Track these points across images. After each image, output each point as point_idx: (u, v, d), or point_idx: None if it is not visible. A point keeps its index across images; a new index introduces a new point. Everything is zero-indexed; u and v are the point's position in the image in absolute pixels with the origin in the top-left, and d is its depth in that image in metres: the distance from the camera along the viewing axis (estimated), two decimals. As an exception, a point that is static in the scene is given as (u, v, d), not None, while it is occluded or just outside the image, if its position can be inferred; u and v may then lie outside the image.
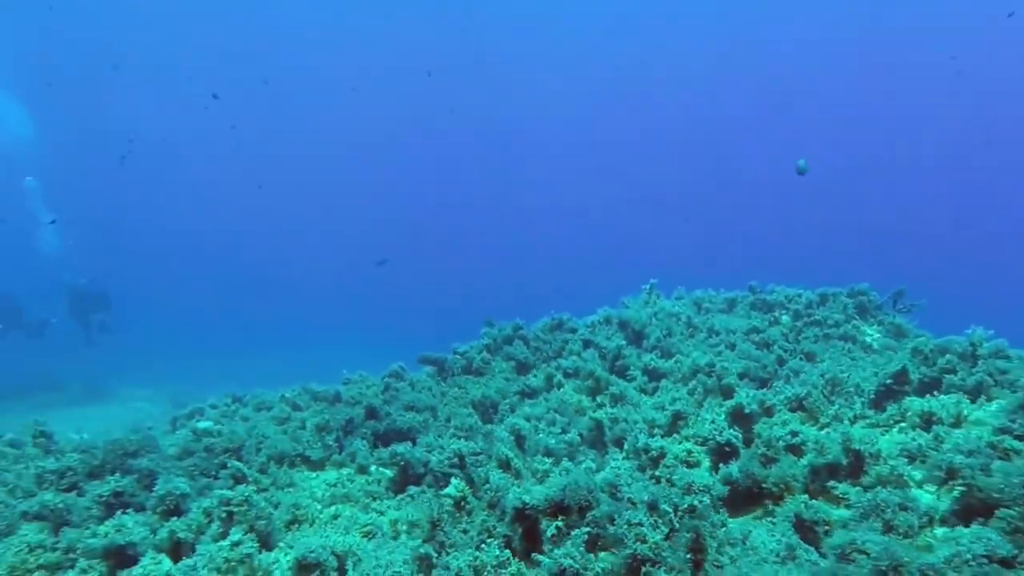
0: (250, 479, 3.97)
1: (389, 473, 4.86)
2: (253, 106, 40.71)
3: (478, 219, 55.20)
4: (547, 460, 4.99)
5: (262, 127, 43.31)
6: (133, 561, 3.04)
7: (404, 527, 3.99)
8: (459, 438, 5.42)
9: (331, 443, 4.99)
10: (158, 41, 37.41)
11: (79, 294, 16.26)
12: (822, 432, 4.36)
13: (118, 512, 3.27)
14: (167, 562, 2.87)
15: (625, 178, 53.88)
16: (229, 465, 3.98)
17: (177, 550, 3.22)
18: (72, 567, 2.96)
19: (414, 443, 5.48)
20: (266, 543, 3.41)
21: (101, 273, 17.09)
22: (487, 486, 3.49)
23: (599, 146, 52.86)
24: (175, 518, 3.35)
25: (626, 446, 4.87)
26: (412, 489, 4.37)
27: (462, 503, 3.41)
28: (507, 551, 3.03)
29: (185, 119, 38.88)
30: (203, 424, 6.76)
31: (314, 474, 4.83)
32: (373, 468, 4.94)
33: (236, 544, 3.04)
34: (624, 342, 6.61)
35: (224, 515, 3.33)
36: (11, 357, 17.46)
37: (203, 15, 36.88)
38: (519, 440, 5.20)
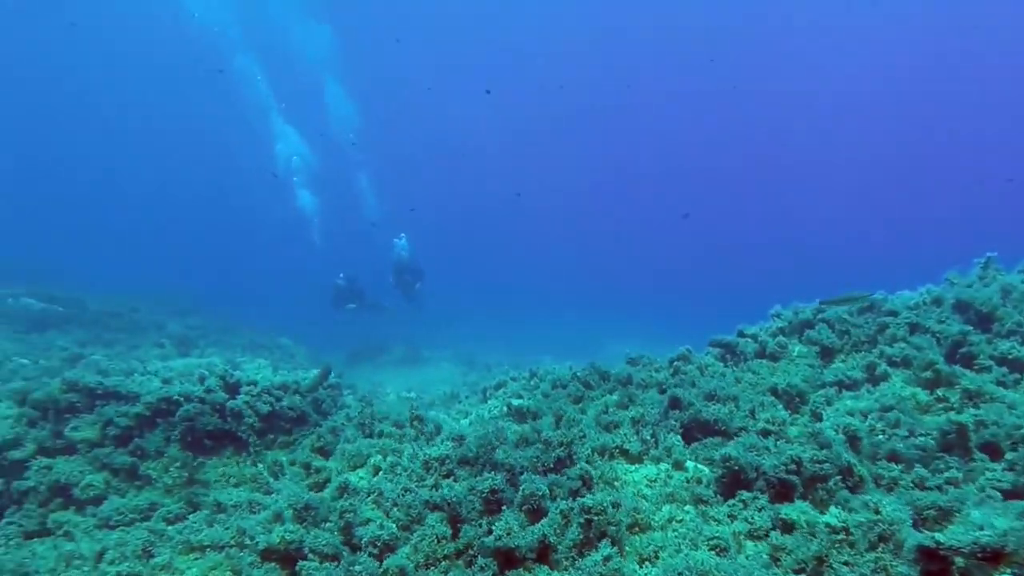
0: (596, 481, 3.93)
1: (706, 470, 4.49)
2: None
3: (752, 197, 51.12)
4: (895, 467, 4.13)
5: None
6: (514, 560, 3.16)
7: (745, 540, 3.60)
8: (770, 434, 4.82)
9: (647, 437, 4.78)
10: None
11: (402, 267, 18.95)
12: None
13: (500, 508, 3.44)
14: (563, 579, 2.90)
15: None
16: (578, 464, 3.99)
17: (545, 552, 3.28)
18: (470, 563, 3.19)
19: (723, 436, 5.03)
20: (619, 550, 3.31)
21: (416, 249, 19.70)
22: (877, 517, 2.88)
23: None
24: (541, 519, 3.43)
25: (1011, 456, 3.77)
26: (744, 495, 3.93)
27: (845, 534, 2.87)
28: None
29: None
30: (516, 402, 7.16)
31: (632, 467, 4.68)
32: (690, 464, 4.61)
33: (607, 559, 2.95)
34: (967, 326, 5.20)
35: (582, 521, 3.30)
36: (353, 328, 21.22)
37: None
38: (853, 441, 4.40)
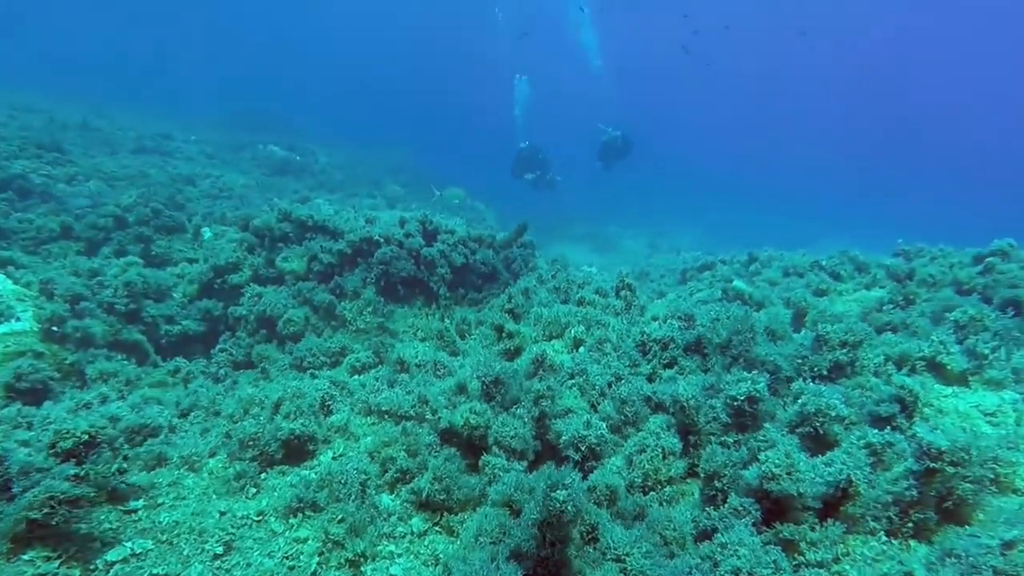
0: (920, 404, 2.42)
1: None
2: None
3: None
4: None
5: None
6: (786, 509, 1.91)
7: None
8: None
9: (984, 350, 3.01)
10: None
11: (609, 144, 16.92)
12: None
13: (757, 424, 2.17)
14: None
15: None
16: (862, 375, 2.49)
17: (840, 502, 1.96)
18: (713, 499, 2.00)
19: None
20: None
21: (629, 125, 17.43)
22: None
23: None
24: (832, 450, 2.08)
25: None
26: None
27: None
28: None
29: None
30: (738, 284, 5.59)
31: (949, 391, 3.00)
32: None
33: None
34: None
35: (919, 471, 1.88)
36: (540, 198, 20.11)
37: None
38: None
